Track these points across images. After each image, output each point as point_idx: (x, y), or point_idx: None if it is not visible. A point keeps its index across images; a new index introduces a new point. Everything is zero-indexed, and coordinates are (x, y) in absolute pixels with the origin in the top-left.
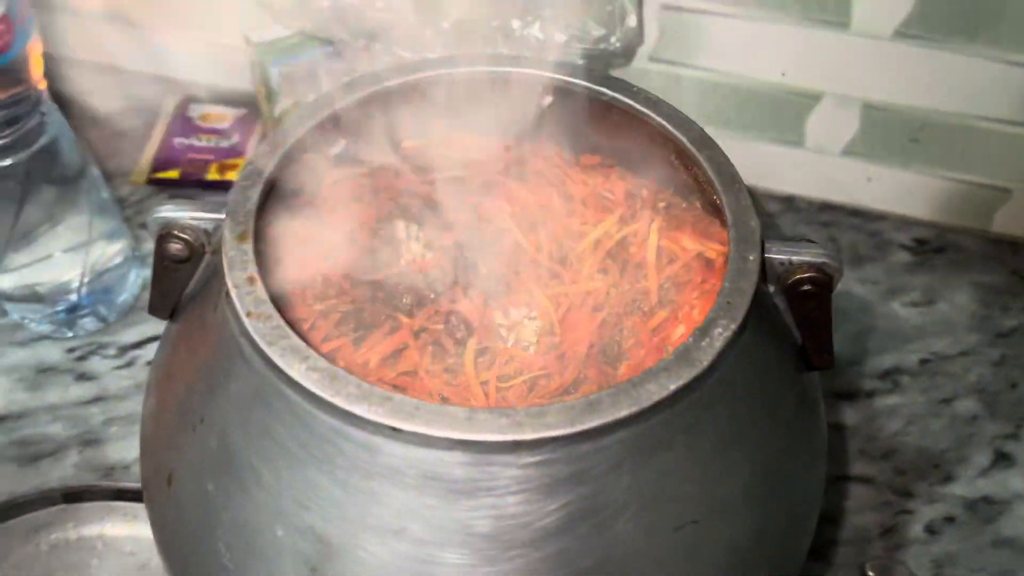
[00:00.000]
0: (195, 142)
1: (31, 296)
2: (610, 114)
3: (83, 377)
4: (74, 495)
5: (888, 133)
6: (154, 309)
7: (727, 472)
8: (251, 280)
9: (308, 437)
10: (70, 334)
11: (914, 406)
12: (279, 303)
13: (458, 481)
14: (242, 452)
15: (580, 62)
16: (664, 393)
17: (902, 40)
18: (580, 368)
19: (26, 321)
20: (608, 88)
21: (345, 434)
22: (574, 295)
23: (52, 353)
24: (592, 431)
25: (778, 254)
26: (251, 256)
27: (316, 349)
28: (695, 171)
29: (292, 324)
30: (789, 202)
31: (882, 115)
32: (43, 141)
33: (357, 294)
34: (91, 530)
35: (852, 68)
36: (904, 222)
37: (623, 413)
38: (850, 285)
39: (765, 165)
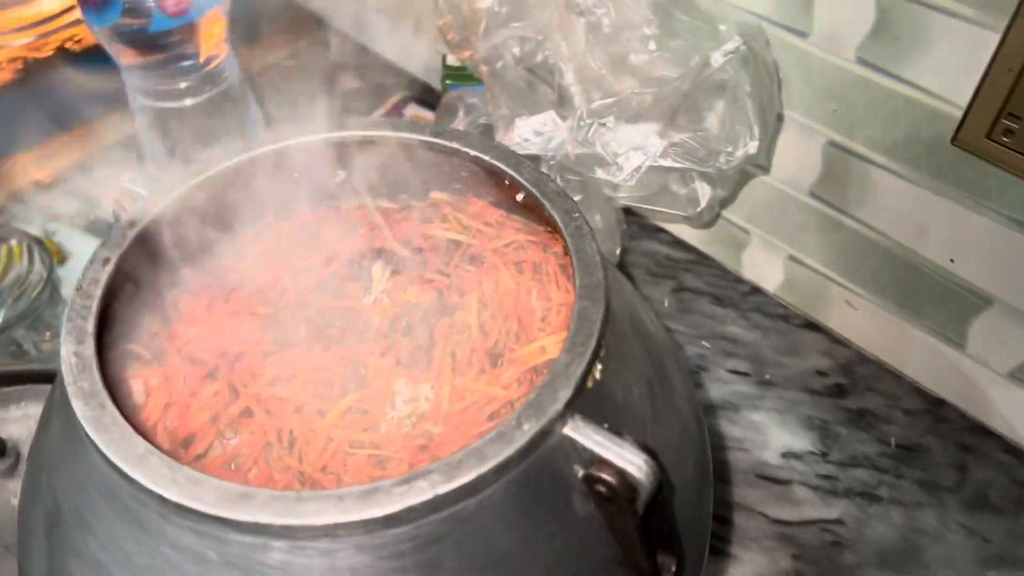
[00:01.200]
0: None
1: None
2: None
3: None
4: None
5: None
6: None
7: None
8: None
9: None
10: None
11: None
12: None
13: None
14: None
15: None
16: (422, 498)
17: None
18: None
19: None
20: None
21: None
22: (480, 395)
23: None
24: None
25: (574, 431)
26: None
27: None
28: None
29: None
30: (937, 406)
31: None
32: (216, 91)
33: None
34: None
35: None
36: None
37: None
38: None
39: (918, 353)
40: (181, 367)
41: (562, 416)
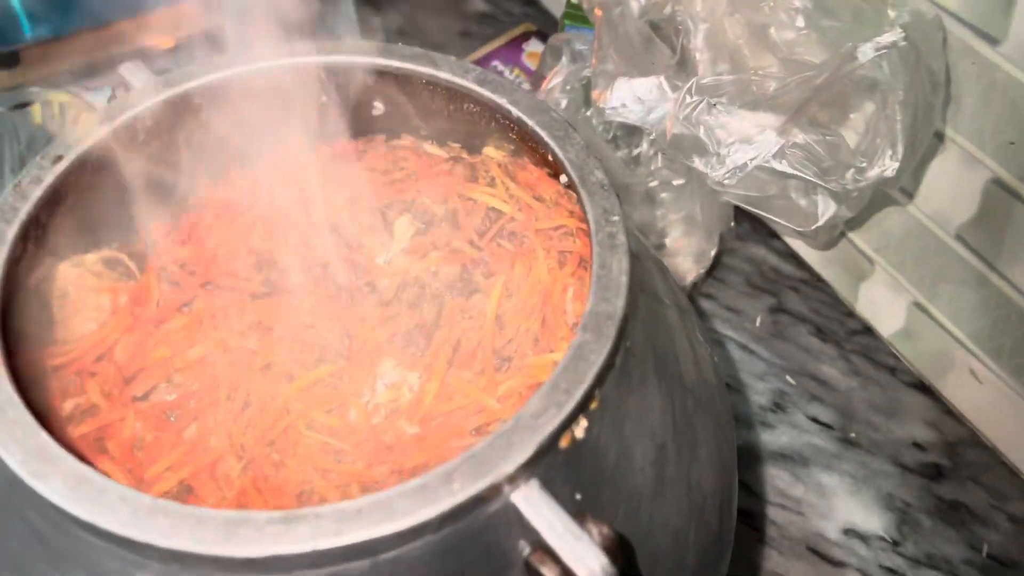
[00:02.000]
0: (506, 73)
1: None
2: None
3: None
4: None
5: None
6: None
7: None
8: None
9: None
10: None
11: None
12: None
13: None
14: None
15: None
16: (297, 548)
17: None
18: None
19: None
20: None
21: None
22: (471, 402)
23: None
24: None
25: (524, 501)
26: None
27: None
28: None
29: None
30: None
31: None
32: None
33: None
34: None
35: None
36: None
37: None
38: None
39: None
40: (156, 288)
41: (512, 480)
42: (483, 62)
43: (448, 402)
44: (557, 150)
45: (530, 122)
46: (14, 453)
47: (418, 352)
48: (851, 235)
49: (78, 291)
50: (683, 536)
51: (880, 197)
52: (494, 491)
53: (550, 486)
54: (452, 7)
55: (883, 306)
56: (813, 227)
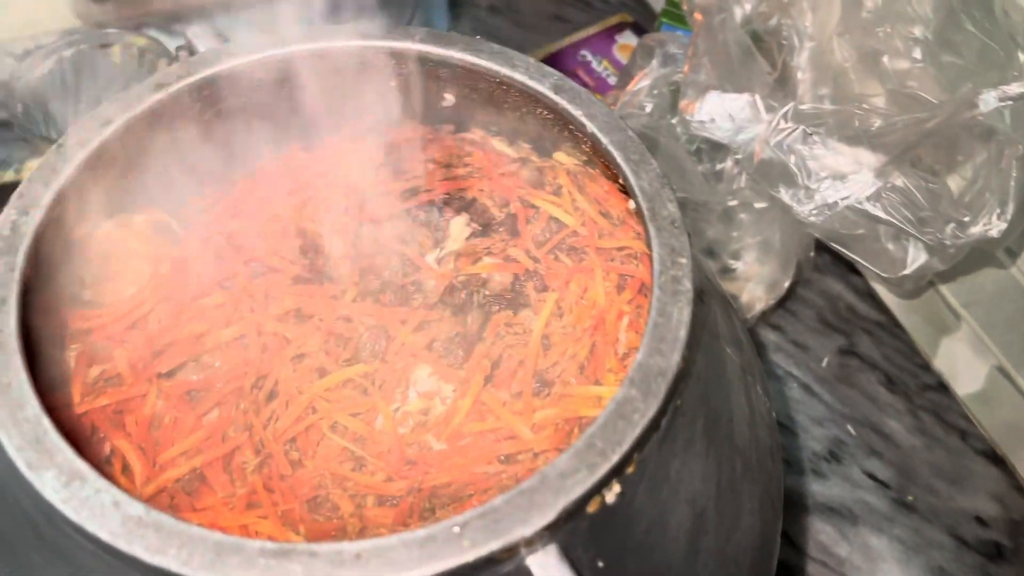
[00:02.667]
0: (594, 64)
1: None
2: None
3: None
4: None
5: None
6: None
7: None
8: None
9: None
10: None
11: None
12: None
13: None
14: None
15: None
16: None
17: None
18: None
19: None
20: None
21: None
22: (503, 425)
23: None
24: None
25: (540, 567)
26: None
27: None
28: None
29: None
30: None
31: None
32: None
33: None
34: None
35: None
36: None
37: None
38: None
39: None
40: (200, 259)
41: (529, 543)
42: (572, 49)
43: (480, 422)
44: (630, 176)
45: (604, 140)
46: (13, 438)
47: (456, 363)
48: (941, 287)
49: (120, 253)
50: None
51: (978, 253)
52: (508, 553)
53: (570, 552)
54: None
55: (963, 365)
56: (899, 274)
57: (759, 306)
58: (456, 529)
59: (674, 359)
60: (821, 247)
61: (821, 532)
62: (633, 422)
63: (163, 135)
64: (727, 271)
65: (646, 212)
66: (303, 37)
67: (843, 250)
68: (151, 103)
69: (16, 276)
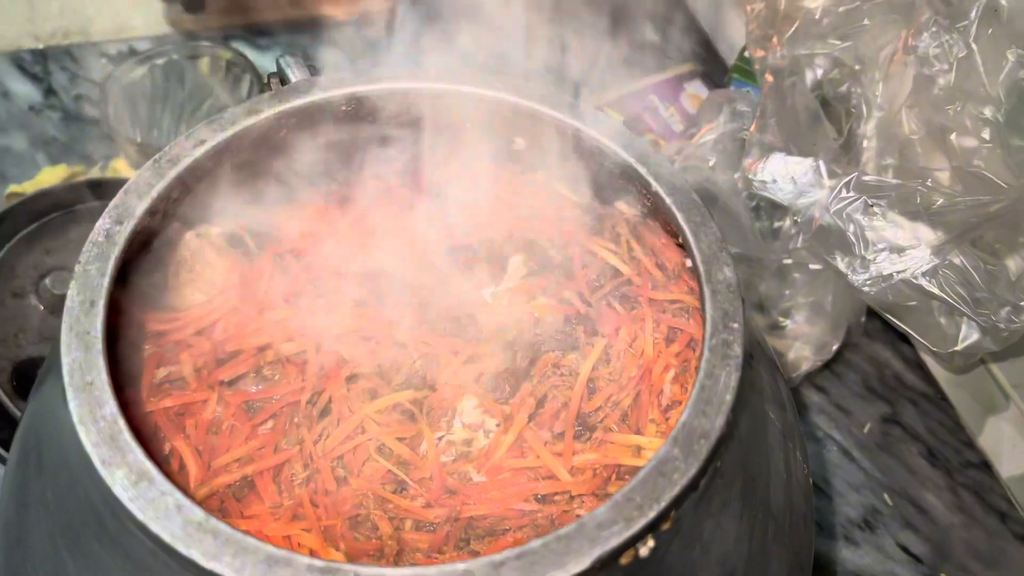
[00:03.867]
0: (661, 109)
1: None
2: None
3: None
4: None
5: None
6: None
7: None
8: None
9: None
10: None
11: None
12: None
13: None
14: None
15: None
16: None
17: None
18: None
19: None
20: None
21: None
22: (542, 465)
23: None
24: None
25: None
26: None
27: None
28: None
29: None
30: None
31: None
32: None
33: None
34: None
35: None
36: None
37: None
38: None
39: None
40: (269, 273)
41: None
42: (641, 93)
43: (520, 458)
44: (690, 237)
45: (668, 200)
46: (91, 434)
47: (502, 398)
48: (991, 365)
49: (196, 262)
50: None
51: None
52: None
53: None
54: (620, 30)
55: (1009, 446)
56: (950, 350)
57: (805, 366)
58: (493, 568)
59: (718, 422)
60: (872, 313)
61: None
62: (673, 481)
63: (249, 156)
64: (776, 328)
65: (703, 274)
66: (387, 76)
67: (895, 320)
68: (242, 127)
69: (105, 282)
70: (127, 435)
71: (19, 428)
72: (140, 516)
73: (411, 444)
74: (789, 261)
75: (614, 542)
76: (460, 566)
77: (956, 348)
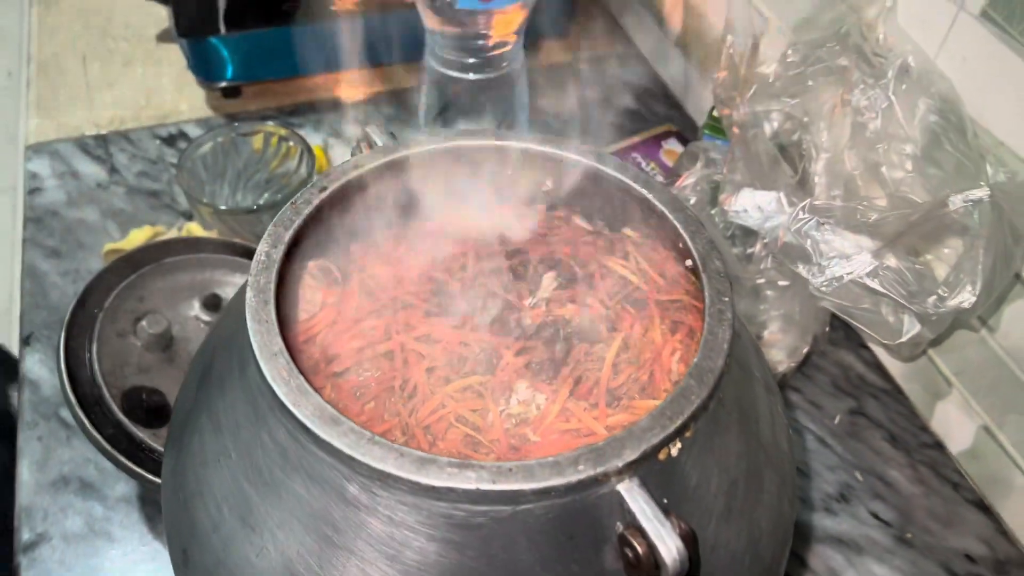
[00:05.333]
0: (643, 165)
1: None
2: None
3: None
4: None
5: None
6: None
7: None
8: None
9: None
10: None
11: None
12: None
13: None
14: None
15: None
16: (465, 485)
17: None
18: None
19: None
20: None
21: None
22: (584, 425)
23: None
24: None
25: (626, 490)
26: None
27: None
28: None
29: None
30: None
31: None
32: (496, 74)
33: None
34: None
35: None
36: None
37: None
38: None
39: None
40: (357, 296)
41: (620, 472)
42: (625, 152)
43: (565, 423)
44: (689, 241)
45: (671, 216)
46: (280, 386)
47: (547, 379)
48: (935, 358)
49: (299, 287)
50: (739, 560)
51: (965, 326)
52: (606, 477)
53: (646, 486)
54: (605, 100)
55: (955, 425)
56: (896, 342)
57: (781, 368)
58: (572, 459)
59: (719, 363)
60: (836, 324)
61: (831, 559)
62: (691, 401)
63: (345, 200)
64: (756, 338)
65: (700, 265)
66: (445, 137)
67: (852, 320)
68: (351, 177)
69: (271, 287)
70: (308, 386)
71: (177, 414)
72: (326, 437)
73: (480, 415)
74: (761, 280)
75: (655, 440)
76: (551, 459)
77: (902, 340)
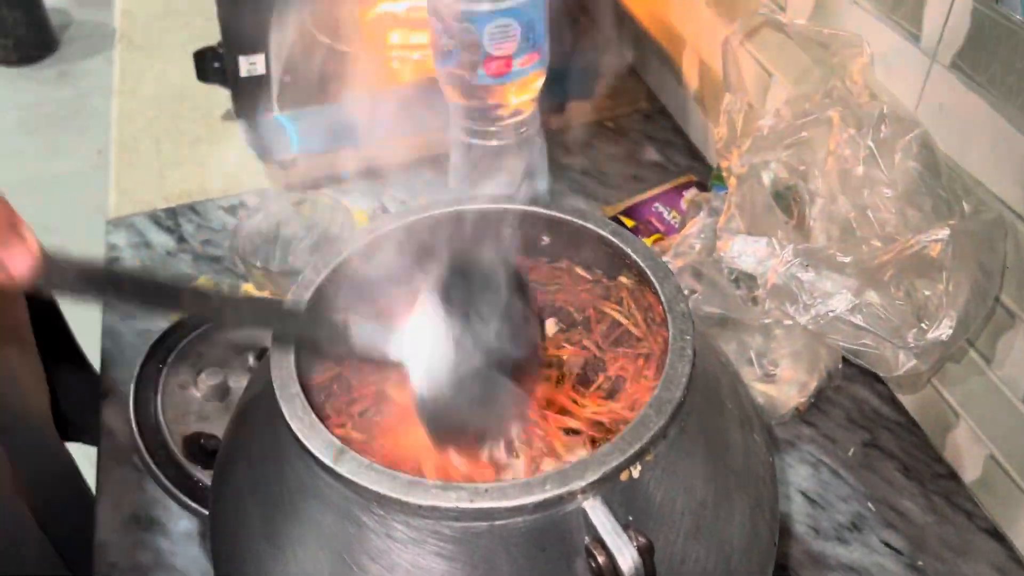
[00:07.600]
0: (665, 214)
1: None
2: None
3: None
4: None
5: None
6: None
7: None
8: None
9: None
10: None
11: None
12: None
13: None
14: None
15: None
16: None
17: None
18: None
19: None
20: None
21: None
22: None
23: None
24: None
25: (589, 507)
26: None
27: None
28: None
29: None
30: None
31: None
32: (515, 140)
33: None
34: None
35: None
36: None
37: None
38: None
39: None
40: None
41: (584, 491)
42: (648, 202)
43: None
44: (658, 285)
45: (643, 264)
46: (296, 423)
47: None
48: (941, 389)
49: None
50: (710, 574)
51: (963, 359)
52: (571, 496)
53: (609, 504)
54: (630, 155)
55: (965, 455)
56: (895, 374)
57: (792, 403)
58: (541, 479)
59: (677, 394)
60: (848, 361)
61: None
62: (648, 428)
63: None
64: (769, 375)
65: (666, 307)
66: (454, 200)
67: (854, 357)
68: (367, 240)
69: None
70: (319, 425)
71: (221, 452)
72: (335, 467)
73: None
74: (770, 320)
75: (613, 463)
76: (521, 480)
77: (899, 372)
